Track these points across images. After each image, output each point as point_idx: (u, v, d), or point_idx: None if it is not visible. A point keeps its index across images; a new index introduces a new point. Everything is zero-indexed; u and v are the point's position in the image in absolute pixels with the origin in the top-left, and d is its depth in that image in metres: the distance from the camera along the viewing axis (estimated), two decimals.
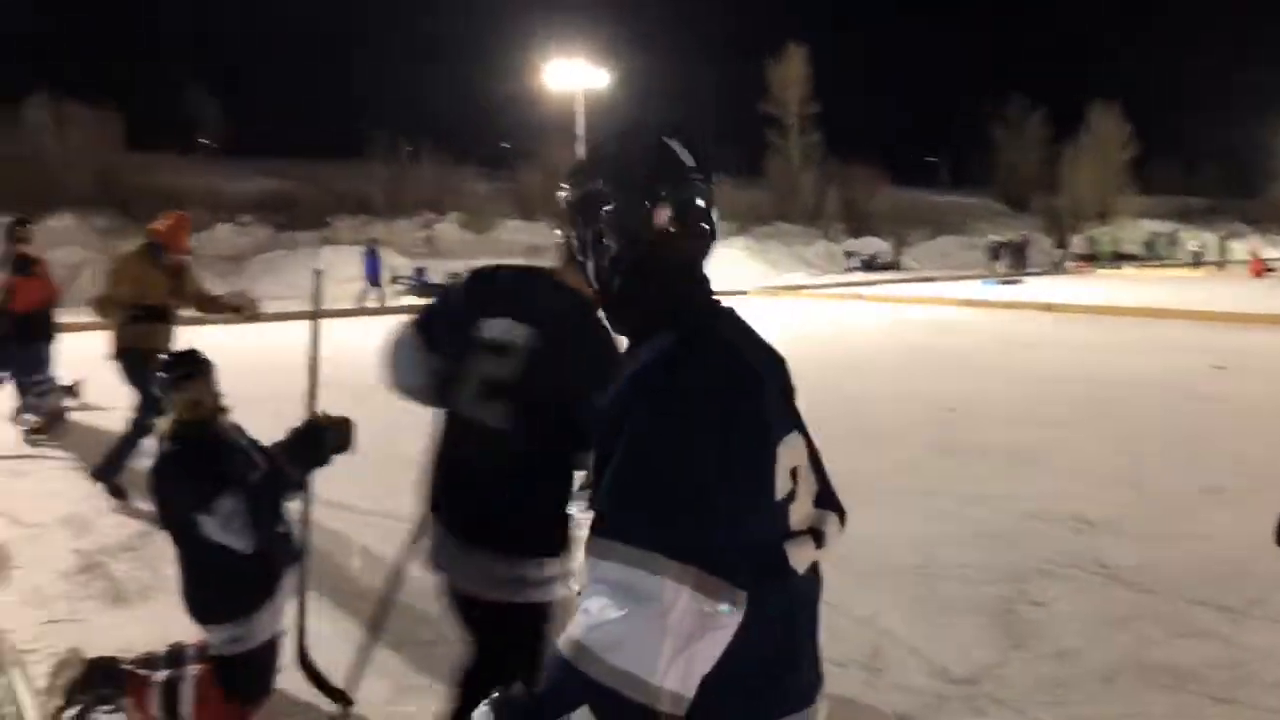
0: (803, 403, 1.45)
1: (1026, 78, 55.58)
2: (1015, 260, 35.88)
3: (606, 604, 1.17)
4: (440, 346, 2.27)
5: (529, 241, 35.20)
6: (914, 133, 66.59)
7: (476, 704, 1.30)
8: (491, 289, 2.28)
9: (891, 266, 38.25)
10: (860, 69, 65.35)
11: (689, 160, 1.43)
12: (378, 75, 59.58)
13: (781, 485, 1.34)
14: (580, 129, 33.82)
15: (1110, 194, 50.46)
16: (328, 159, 38.20)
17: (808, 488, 1.41)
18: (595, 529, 1.25)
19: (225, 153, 38.32)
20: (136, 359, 5.40)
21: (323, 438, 2.90)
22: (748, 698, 1.32)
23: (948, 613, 3.97)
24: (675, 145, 1.44)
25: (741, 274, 31.01)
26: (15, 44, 38.19)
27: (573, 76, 33.44)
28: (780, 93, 46.89)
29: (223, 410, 3.05)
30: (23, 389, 8.19)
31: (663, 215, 1.39)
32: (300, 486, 2.97)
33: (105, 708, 3.04)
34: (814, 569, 1.42)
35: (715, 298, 1.47)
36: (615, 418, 1.31)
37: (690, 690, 1.18)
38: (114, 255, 6.20)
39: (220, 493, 2.71)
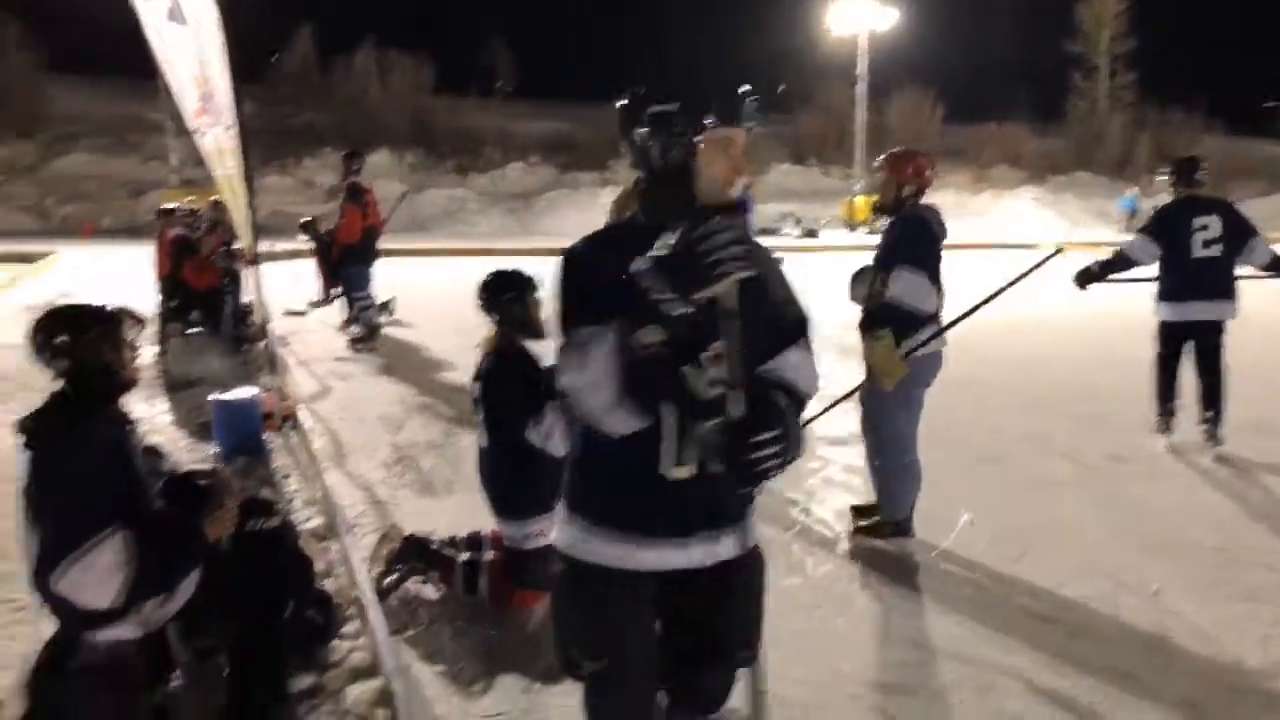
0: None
1: None
2: None
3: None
4: None
5: (796, 185, 34.79)
6: (1252, 74, 57.52)
7: None
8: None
9: None
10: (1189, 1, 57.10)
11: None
12: (661, 19, 60.50)
13: None
14: (862, 70, 32.67)
15: None
16: (609, 103, 39.54)
17: None
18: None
19: (517, 96, 40.62)
20: None
21: None
22: None
23: (1247, 600, 3.58)
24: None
25: (1028, 226, 28.92)
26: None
27: (858, 17, 32.23)
28: (1090, 29, 42.44)
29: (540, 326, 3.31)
30: (350, 304, 9.36)
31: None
32: None
33: (417, 578, 3.50)
34: None
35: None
36: None
37: None
38: None
39: (544, 406, 3.05)
